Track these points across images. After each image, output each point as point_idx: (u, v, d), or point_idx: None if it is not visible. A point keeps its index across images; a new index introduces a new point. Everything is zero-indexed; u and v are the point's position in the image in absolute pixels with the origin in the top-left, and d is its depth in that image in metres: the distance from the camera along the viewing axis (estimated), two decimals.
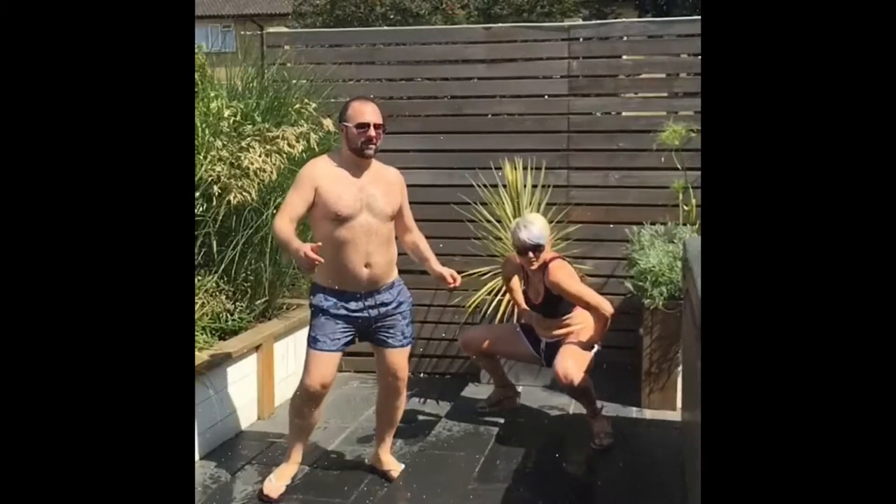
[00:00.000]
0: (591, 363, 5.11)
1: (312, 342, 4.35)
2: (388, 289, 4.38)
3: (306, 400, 4.40)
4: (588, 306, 5.01)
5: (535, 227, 5.00)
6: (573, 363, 4.97)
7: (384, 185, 4.34)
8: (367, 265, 4.23)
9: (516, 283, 5.47)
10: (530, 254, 5.01)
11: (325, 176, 4.25)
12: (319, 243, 4.02)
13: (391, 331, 4.42)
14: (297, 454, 4.58)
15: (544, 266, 5.06)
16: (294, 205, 4.22)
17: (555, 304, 5.14)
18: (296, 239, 4.10)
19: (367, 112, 4.25)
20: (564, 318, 5.19)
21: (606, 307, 4.97)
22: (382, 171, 4.41)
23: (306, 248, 3.90)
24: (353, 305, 4.30)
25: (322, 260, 3.93)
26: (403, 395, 4.62)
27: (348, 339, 4.39)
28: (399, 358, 4.49)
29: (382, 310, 4.37)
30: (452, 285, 4.40)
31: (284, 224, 4.16)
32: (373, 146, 4.24)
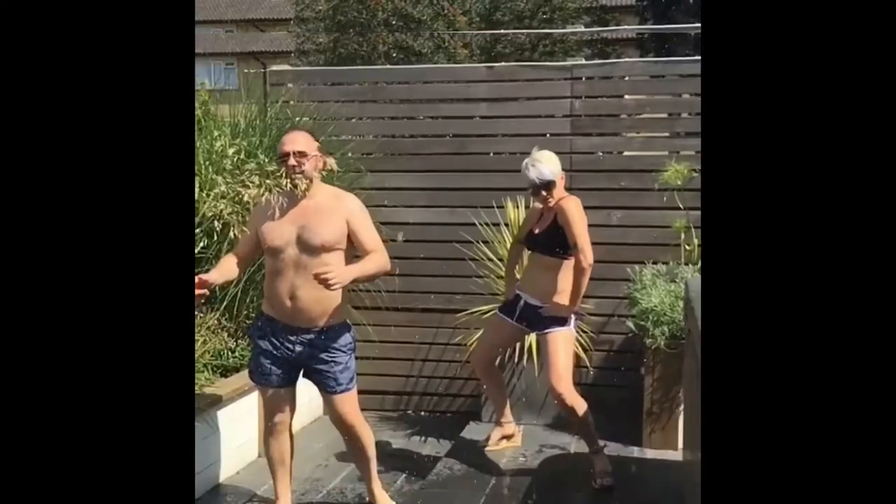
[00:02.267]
0: (575, 349, 5.16)
1: (250, 373, 4.53)
2: (319, 331, 4.30)
3: (269, 428, 4.47)
4: (575, 246, 4.84)
5: (544, 165, 4.94)
6: (564, 382, 4.95)
7: (324, 215, 4.26)
8: (291, 298, 4.22)
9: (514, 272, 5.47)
10: (543, 192, 4.97)
11: (262, 212, 4.36)
12: (208, 278, 4.16)
13: (326, 375, 4.36)
14: (284, 492, 4.57)
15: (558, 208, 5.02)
16: (240, 243, 4.56)
17: (554, 237, 4.99)
18: (218, 267, 4.37)
19: (287, 141, 4.28)
20: (557, 257, 5.02)
21: (588, 256, 4.81)
22: (328, 200, 4.35)
23: (201, 276, 4.12)
24: (280, 336, 4.32)
25: (203, 292, 4.14)
26: (364, 434, 4.56)
27: (282, 375, 4.38)
28: (340, 404, 4.42)
29: (310, 350, 4.31)
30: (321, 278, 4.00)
31: (226, 258, 4.45)
32: (297, 175, 4.22)
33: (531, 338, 5.88)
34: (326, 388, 4.39)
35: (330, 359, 4.33)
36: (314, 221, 4.23)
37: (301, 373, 4.45)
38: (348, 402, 4.43)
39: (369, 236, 4.34)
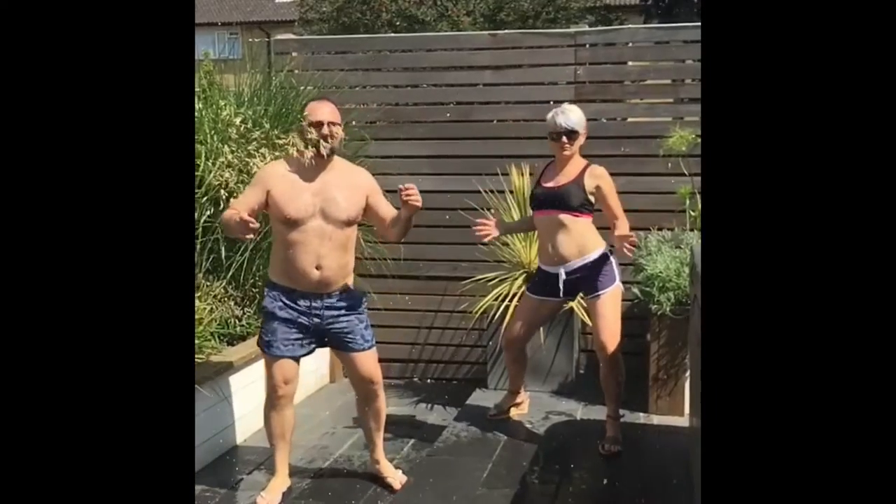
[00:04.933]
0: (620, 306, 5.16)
1: (266, 346, 4.38)
2: (339, 293, 4.36)
3: (275, 401, 4.43)
4: (614, 217, 4.99)
5: (573, 114, 4.99)
6: (616, 341, 5.04)
7: (346, 189, 4.32)
8: (317, 267, 4.23)
9: None
10: (564, 139, 4.98)
11: (278, 177, 4.29)
12: (254, 208, 4.13)
13: (349, 335, 4.40)
14: (283, 465, 4.57)
15: (584, 167, 5.05)
16: (243, 201, 4.30)
17: (576, 194, 4.99)
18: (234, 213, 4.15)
19: (320, 110, 4.28)
20: (574, 212, 5.01)
21: (627, 227, 4.95)
22: (347, 174, 4.40)
23: (242, 213, 4.00)
24: (301, 304, 4.30)
25: (256, 224, 4.00)
26: (381, 398, 4.59)
27: (304, 343, 4.39)
28: (364, 362, 4.46)
29: (333, 313, 4.35)
30: (406, 192, 4.13)
31: (233, 212, 4.18)
32: (328, 144, 4.23)
33: None
34: (353, 346, 4.41)
35: (354, 316, 4.39)
36: (339, 195, 4.27)
37: (318, 342, 4.46)
38: (374, 358, 4.50)
39: (389, 207, 4.45)
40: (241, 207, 4.21)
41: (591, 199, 5.02)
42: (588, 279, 5.06)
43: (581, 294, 5.27)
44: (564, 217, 5.01)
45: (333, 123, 4.25)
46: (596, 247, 5.05)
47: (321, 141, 4.21)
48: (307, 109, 4.34)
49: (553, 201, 5.05)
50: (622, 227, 4.93)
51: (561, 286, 5.12)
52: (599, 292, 5.03)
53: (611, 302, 5.05)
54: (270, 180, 4.30)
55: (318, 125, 4.22)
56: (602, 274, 5.03)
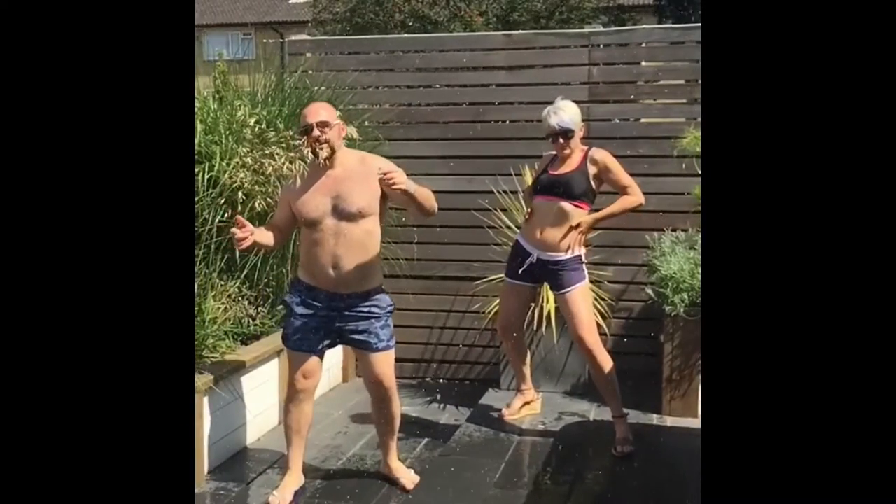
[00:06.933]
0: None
1: (284, 339, 4.49)
2: (361, 296, 4.35)
3: (292, 394, 4.48)
4: (627, 187, 5.04)
5: (565, 112, 5.00)
6: (593, 334, 5.09)
7: (355, 182, 4.30)
8: (334, 267, 4.26)
9: None
10: (562, 140, 5.02)
11: (295, 189, 4.38)
12: (244, 225, 4.15)
13: (365, 334, 4.38)
14: (296, 463, 4.57)
15: (585, 153, 5.08)
16: (273, 216, 4.59)
17: (579, 182, 5.03)
18: (258, 229, 4.35)
19: (309, 113, 4.29)
20: (575, 202, 5.05)
21: (640, 193, 5.06)
22: (356, 166, 4.36)
23: (241, 219, 4.18)
24: (320, 301, 4.34)
25: (243, 236, 4.10)
26: (394, 402, 4.58)
27: (320, 339, 4.42)
28: (377, 363, 4.43)
29: (351, 311, 4.35)
30: (386, 179, 4.12)
31: (262, 228, 4.42)
32: (323, 146, 4.23)
33: (549, 305, 5.90)
34: (368, 345, 4.40)
35: (372, 317, 4.38)
36: (347, 190, 4.26)
37: (336, 339, 4.49)
38: (388, 362, 4.47)
39: (409, 183, 4.32)
40: (271, 222, 4.50)
41: (594, 184, 5.06)
42: (556, 274, 5.12)
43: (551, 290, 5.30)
44: (565, 204, 5.05)
45: (322, 124, 4.23)
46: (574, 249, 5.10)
47: (314, 145, 4.23)
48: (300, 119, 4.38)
49: (556, 188, 5.09)
50: (634, 192, 5.04)
51: (528, 268, 5.19)
52: (569, 288, 5.09)
53: (581, 296, 5.10)
54: (288, 194, 4.43)
55: (308, 128, 4.23)
56: (573, 270, 5.09)
